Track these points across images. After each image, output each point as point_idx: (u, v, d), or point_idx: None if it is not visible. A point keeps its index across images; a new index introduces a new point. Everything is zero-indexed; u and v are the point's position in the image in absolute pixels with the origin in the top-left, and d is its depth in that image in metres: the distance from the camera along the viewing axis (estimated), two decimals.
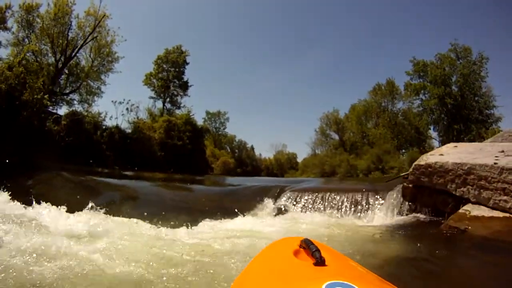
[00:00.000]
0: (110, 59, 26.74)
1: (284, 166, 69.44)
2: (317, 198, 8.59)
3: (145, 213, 6.38)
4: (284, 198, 9.03)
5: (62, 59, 23.54)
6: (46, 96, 16.94)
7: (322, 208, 8.21)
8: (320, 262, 1.12)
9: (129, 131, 26.34)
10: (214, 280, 3.08)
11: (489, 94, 32.30)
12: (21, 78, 16.25)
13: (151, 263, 3.45)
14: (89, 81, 26.51)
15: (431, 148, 33.33)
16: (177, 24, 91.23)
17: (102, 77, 27.40)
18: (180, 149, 29.57)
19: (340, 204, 8.20)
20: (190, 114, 35.49)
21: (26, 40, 22.95)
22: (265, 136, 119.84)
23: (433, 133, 37.27)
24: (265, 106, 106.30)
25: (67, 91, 25.84)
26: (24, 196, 6.58)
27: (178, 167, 25.93)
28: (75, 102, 26.56)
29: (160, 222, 5.89)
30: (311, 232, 5.61)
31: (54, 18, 22.86)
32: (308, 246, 1.28)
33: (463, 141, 25.52)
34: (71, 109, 23.07)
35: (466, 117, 31.93)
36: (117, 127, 24.96)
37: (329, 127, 51.75)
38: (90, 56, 25.95)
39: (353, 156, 40.08)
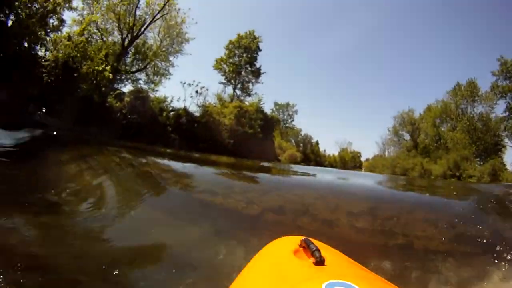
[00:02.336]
0: (180, 39, 25.20)
1: (347, 164, 67.02)
2: None
3: None
4: None
5: (129, 37, 22.29)
6: (108, 68, 15.54)
7: None
8: (320, 261, 1.11)
9: (197, 114, 24.62)
10: None
11: None
12: (81, 48, 15.03)
13: None
14: (156, 61, 25.10)
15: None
16: (250, 10, 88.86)
17: (171, 58, 25.96)
18: (250, 138, 27.64)
19: None
20: (261, 103, 33.74)
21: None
22: (333, 132, 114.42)
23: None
24: (333, 101, 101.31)
25: (133, 70, 24.72)
26: None
27: (247, 156, 23.78)
28: (141, 82, 25.34)
29: None
30: None
31: None
32: (308, 246, 1.26)
33: None
34: (134, 87, 22.03)
35: None
36: (184, 109, 23.35)
37: (403, 127, 47.79)
38: (158, 36, 24.58)
39: (427, 160, 36.97)
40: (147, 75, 25.50)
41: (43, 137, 11.41)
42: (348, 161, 69.08)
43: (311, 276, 1.01)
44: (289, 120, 61.24)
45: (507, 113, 33.62)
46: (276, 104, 59.31)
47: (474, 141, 35.56)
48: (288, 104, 60.86)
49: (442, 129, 40.94)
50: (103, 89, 16.21)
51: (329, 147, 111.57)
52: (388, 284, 1.02)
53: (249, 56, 38.11)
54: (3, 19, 13.51)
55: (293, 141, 60.33)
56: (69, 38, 15.09)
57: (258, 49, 38.50)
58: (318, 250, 1.16)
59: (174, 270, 2.98)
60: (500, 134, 35.69)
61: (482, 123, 36.36)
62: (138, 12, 22.73)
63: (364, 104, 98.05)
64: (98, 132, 15.58)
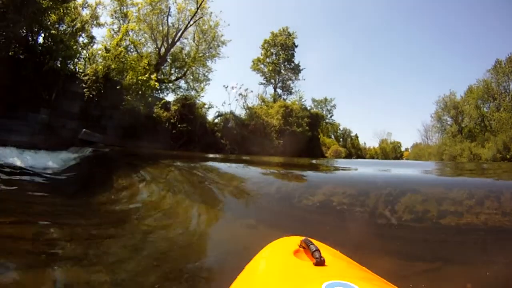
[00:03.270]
0: (216, 43, 23.99)
1: (389, 155, 67.45)
2: None
3: None
4: None
5: (165, 45, 21.38)
6: (153, 77, 14.49)
7: None
8: (320, 262, 1.10)
9: (243, 117, 23.32)
10: None
11: None
12: (121, 58, 13.97)
13: None
14: (194, 68, 23.90)
15: None
16: (281, 7, 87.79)
17: (209, 63, 24.75)
18: (299, 136, 26.50)
19: None
20: (302, 100, 33.00)
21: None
22: (369, 124, 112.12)
23: None
24: (369, 94, 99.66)
25: (173, 79, 23.69)
26: None
27: (298, 155, 23.17)
28: (182, 90, 24.26)
29: None
30: None
31: (150, 3, 20.74)
32: (308, 246, 1.25)
33: None
34: (181, 94, 20.84)
35: None
36: (231, 113, 22.03)
37: (446, 112, 45.96)
38: (194, 41, 23.45)
39: (474, 144, 35.95)
40: (186, 82, 24.40)
41: (93, 156, 10.21)
42: (389, 152, 69.15)
43: (311, 277, 1.00)
44: (329, 116, 59.72)
45: None
46: (314, 100, 57.72)
47: None
48: (326, 99, 59.36)
49: (486, 110, 39.18)
50: (150, 99, 15.08)
51: (369, 140, 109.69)
52: (388, 285, 0.99)
53: (287, 53, 37.13)
54: (33, 37, 12.67)
55: (332, 136, 60.23)
56: (106, 50, 14.11)
57: (294, 45, 37.64)
58: (318, 251, 1.14)
59: None
60: None
61: None
62: (170, 20, 21.97)
63: (401, 92, 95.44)
64: (149, 144, 14.46)
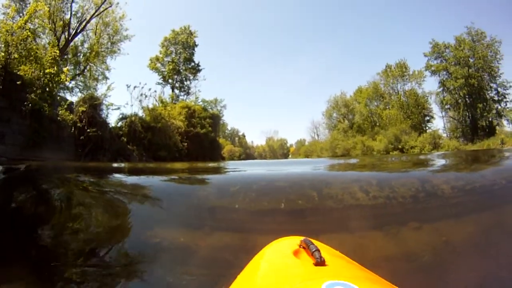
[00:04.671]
0: (119, 37, 22.06)
1: (276, 152, 70.88)
2: None
3: None
4: None
5: (65, 36, 18.75)
6: (65, 69, 12.50)
7: None
8: (320, 262, 1.10)
9: (147, 119, 21.68)
10: None
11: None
12: (28, 45, 11.74)
13: None
14: (91, 64, 21.60)
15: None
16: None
17: (108, 61, 22.68)
18: (202, 138, 26.36)
19: None
20: (198, 101, 33.74)
21: (17, 17, 17.31)
22: (257, 123, 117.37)
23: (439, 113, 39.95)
24: (257, 93, 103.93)
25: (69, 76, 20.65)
26: None
27: (201, 157, 23.90)
28: (79, 89, 21.89)
29: None
30: None
31: None
32: (308, 246, 1.25)
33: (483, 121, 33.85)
34: (88, 93, 18.49)
35: (485, 97, 34.99)
36: (136, 115, 20.42)
37: (337, 110, 50.67)
38: (95, 34, 21.15)
39: (366, 138, 39.92)
40: (83, 82, 21.89)
41: None
42: (277, 148, 72.76)
43: (311, 277, 1.00)
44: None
45: (441, 89, 38.30)
46: (204, 101, 57.57)
47: (408, 116, 39.30)
48: (216, 100, 59.16)
49: (373, 108, 44.66)
50: (58, 98, 12.89)
51: (256, 138, 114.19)
52: (388, 284, 0.99)
53: (187, 52, 36.58)
54: None
55: (221, 136, 60.23)
56: (7, 32, 11.41)
57: (195, 44, 37.21)
58: (318, 251, 1.15)
59: None
60: (428, 107, 40.41)
61: (413, 99, 40.04)
62: (74, 7, 19.21)
63: (291, 93, 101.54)
64: (52, 154, 12.48)
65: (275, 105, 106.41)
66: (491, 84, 35.15)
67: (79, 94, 20.63)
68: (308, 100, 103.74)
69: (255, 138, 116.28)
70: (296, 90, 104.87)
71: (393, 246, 3.32)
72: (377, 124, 42.46)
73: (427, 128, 39.64)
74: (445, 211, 3.92)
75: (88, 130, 14.31)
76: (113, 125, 18.98)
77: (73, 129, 14.25)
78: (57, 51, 13.01)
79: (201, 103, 34.28)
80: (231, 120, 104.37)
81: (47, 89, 11.98)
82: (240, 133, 67.15)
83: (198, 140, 25.53)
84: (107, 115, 17.83)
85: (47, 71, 11.70)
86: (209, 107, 56.87)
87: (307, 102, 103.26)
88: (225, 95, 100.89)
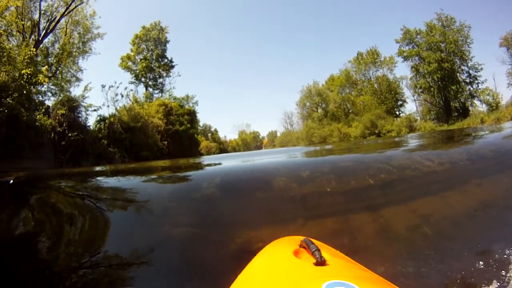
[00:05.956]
0: (90, 36, 21.20)
1: (250, 145, 71.39)
2: None
3: None
4: None
5: (34, 36, 17.54)
6: (44, 69, 11.69)
7: None
8: (320, 261, 1.10)
9: (126, 119, 21.00)
10: None
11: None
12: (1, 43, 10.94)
13: None
14: (63, 66, 20.45)
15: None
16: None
17: (80, 62, 21.83)
18: (181, 135, 26.23)
19: None
20: (171, 98, 33.34)
21: None
22: (226, 117, 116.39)
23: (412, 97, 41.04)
24: (229, 88, 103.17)
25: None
26: None
27: (182, 155, 23.73)
28: (51, 92, 20.91)
29: None
30: None
31: None
32: (308, 246, 1.26)
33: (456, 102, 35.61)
34: (65, 95, 17.47)
35: (458, 80, 35.79)
36: (115, 116, 19.73)
37: (310, 99, 50.76)
38: (66, 34, 20.05)
39: (341, 125, 40.35)
40: (54, 85, 20.85)
41: None
42: (250, 141, 73.35)
43: (311, 276, 1.01)
44: None
45: (414, 74, 38.80)
46: (175, 98, 57.29)
47: (382, 101, 39.82)
48: (188, 96, 58.80)
49: (345, 95, 45.20)
50: (37, 101, 12.06)
51: (228, 133, 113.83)
52: (388, 284, 1.00)
53: (159, 49, 35.95)
54: None
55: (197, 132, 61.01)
56: None
57: (166, 40, 36.62)
58: (319, 250, 1.15)
59: None
60: (400, 92, 41.14)
61: (385, 84, 40.67)
62: (43, 5, 18.01)
63: (262, 86, 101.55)
64: (30, 163, 11.79)
65: (245, 99, 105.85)
66: (463, 67, 36.11)
67: (52, 98, 19.54)
68: (279, 91, 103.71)
69: (227, 133, 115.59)
70: (266, 82, 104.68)
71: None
72: (351, 111, 43.06)
73: (400, 112, 40.48)
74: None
75: (70, 135, 13.61)
76: (92, 127, 18.23)
77: (52, 135, 13.51)
78: (34, 49, 12.22)
79: (173, 100, 33.49)
80: (202, 116, 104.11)
81: (25, 91, 11.12)
82: (213, 129, 66.27)
83: (177, 138, 25.36)
84: (86, 118, 17.14)
85: (23, 71, 10.75)
86: (180, 104, 57.10)
87: (277, 94, 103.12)
88: (194, 90, 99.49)
